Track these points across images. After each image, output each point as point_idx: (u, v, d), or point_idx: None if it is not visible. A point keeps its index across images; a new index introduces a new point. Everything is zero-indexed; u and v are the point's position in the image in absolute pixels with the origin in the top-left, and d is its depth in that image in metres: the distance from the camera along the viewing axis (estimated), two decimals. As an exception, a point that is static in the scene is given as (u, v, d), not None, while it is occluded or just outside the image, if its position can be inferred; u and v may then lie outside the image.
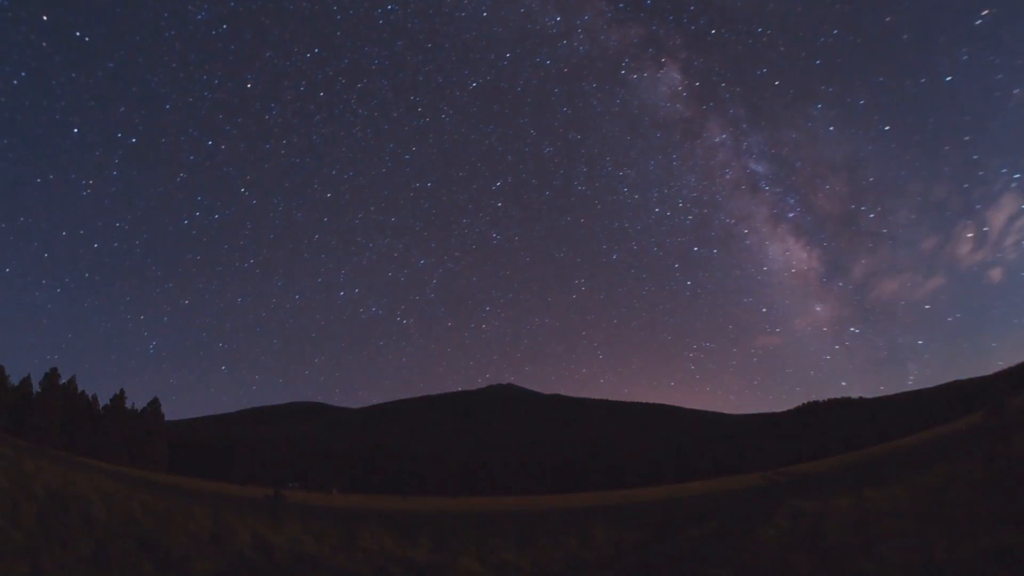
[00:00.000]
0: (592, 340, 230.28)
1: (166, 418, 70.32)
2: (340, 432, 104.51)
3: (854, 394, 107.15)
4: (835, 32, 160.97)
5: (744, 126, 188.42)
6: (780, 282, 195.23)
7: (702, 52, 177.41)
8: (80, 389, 63.94)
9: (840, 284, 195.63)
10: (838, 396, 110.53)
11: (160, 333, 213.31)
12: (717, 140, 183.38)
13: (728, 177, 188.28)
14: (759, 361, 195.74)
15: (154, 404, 70.32)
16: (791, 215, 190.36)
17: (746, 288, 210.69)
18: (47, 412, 55.78)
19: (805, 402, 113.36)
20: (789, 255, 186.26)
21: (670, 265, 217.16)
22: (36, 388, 60.07)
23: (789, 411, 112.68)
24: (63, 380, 62.21)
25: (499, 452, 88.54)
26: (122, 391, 67.43)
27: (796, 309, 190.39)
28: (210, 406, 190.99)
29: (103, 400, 65.76)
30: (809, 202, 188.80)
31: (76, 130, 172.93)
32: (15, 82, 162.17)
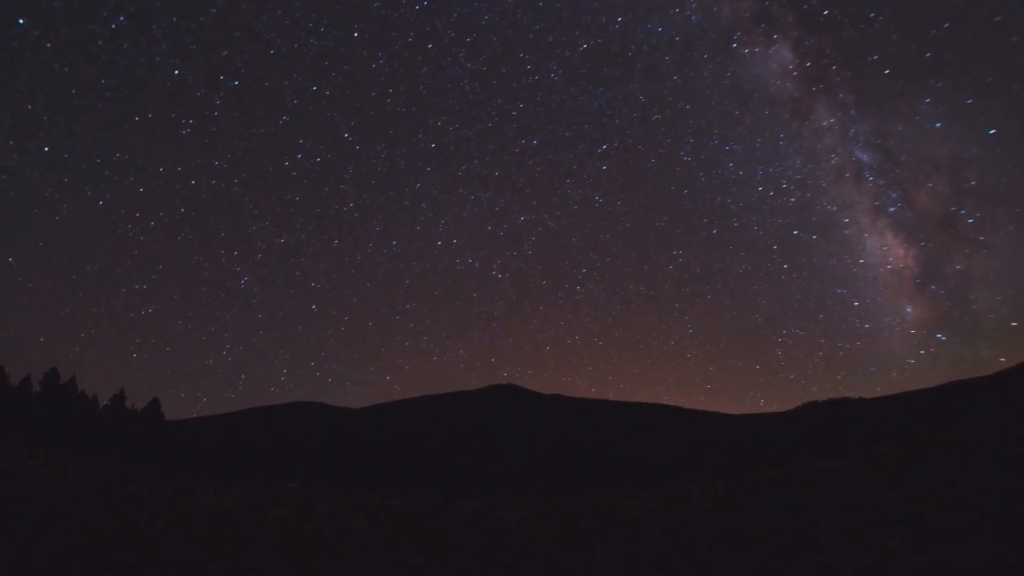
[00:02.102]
0: (683, 313, 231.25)
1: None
2: (340, 431, 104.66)
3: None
4: (946, 26, 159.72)
5: (852, 112, 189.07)
6: (875, 277, 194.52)
7: (814, 32, 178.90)
8: (80, 389, 64.10)
9: (933, 287, 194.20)
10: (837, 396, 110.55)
11: (252, 270, 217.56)
12: (825, 124, 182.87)
13: (833, 163, 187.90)
14: (845, 355, 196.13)
15: (154, 404, 70.41)
16: (892, 209, 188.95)
17: (841, 279, 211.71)
18: (47, 412, 55.84)
19: (806, 401, 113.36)
20: (886, 250, 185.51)
21: (769, 246, 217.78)
22: (36, 388, 60.19)
23: (788, 411, 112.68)
24: (63, 380, 62.33)
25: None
26: (122, 390, 67.59)
27: (887, 307, 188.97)
28: (292, 344, 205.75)
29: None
30: (911, 198, 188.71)
31: (177, 72, 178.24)
32: (113, 26, 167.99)
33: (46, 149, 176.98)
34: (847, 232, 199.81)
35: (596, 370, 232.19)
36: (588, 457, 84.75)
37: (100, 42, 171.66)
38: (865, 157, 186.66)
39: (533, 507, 26.04)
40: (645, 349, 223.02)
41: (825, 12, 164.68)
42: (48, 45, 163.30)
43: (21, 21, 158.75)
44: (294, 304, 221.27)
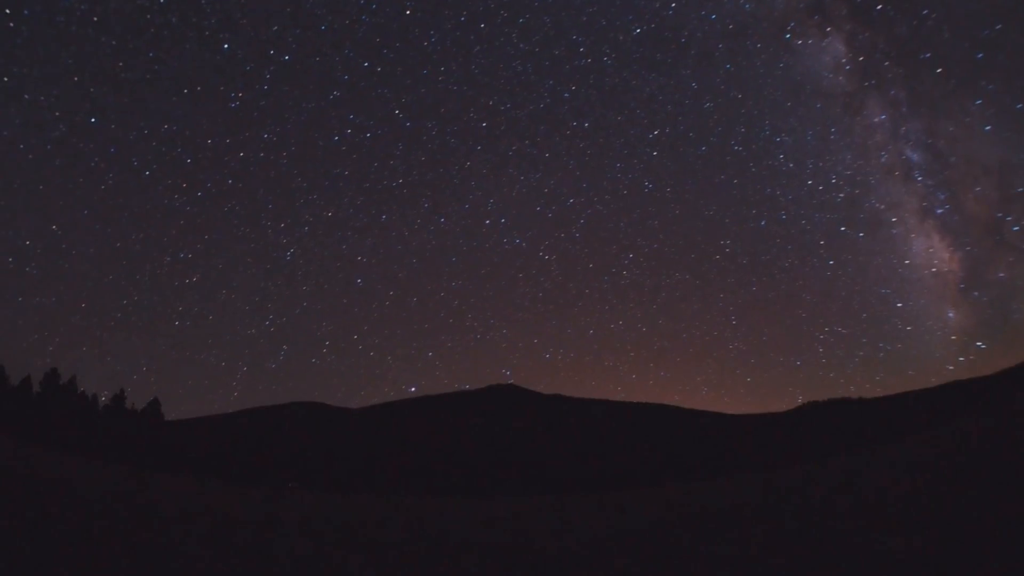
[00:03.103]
0: (728, 304, 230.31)
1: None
2: (340, 431, 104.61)
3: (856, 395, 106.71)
4: (998, 27, 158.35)
5: (904, 110, 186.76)
6: (919, 279, 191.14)
7: (867, 26, 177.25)
8: (80, 389, 64.12)
9: (976, 294, 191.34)
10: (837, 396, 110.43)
11: (299, 242, 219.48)
12: (876, 120, 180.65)
13: (883, 160, 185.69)
14: (885, 357, 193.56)
15: (154, 404, 70.43)
16: (939, 211, 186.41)
17: (886, 279, 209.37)
18: (47, 412, 55.85)
19: (804, 401, 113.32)
20: (932, 253, 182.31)
21: (816, 241, 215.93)
22: (36, 388, 60.20)
23: (787, 411, 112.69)
24: (63, 380, 62.34)
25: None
26: (122, 390, 67.61)
27: (930, 311, 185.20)
28: (335, 316, 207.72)
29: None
30: (958, 201, 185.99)
31: (227, 46, 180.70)
32: (162, 0, 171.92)
33: (92, 120, 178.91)
34: (894, 232, 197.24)
35: (638, 356, 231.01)
36: (588, 457, 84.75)
37: (148, 16, 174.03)
38: (915, 156, 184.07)
39: (534, 508, 26.04)
40: (688, 338, 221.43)
41: (878, 7, 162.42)
42: (95, 19, 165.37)
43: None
44: (339, 277, 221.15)
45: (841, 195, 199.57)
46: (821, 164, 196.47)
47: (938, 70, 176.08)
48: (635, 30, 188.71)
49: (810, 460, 39.58)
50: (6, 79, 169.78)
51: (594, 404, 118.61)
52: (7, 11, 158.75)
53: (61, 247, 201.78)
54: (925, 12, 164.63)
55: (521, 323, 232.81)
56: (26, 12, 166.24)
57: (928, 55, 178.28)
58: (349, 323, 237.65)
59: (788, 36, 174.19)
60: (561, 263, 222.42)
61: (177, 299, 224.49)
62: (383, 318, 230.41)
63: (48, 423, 54.88)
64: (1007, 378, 69.54)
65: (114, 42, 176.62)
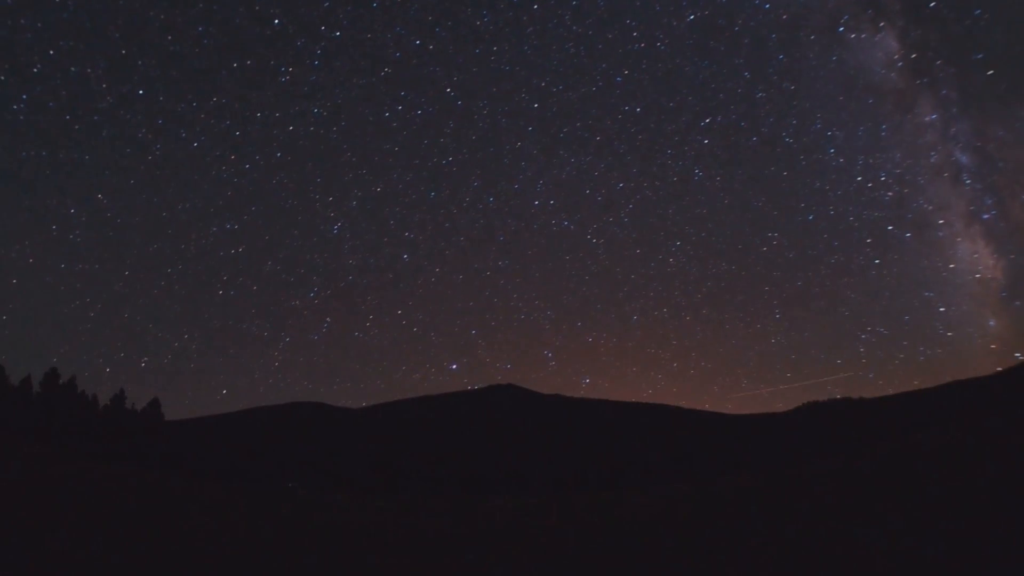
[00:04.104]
0: (772, 297, 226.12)
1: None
2: (340, 431, 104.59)
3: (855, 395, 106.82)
4: None
5: (954, 110, 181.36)
6: (963, 284, 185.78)
7: (920, 23, 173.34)
8: (80, 389, 64.09)
9: (1017, 303, 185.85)
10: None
11: (346, 215, 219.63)
12: (927, 119, 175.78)
13: (932, 160, 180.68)
14: (924, 361, 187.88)
15: (154, 404, 70.41)
16: (986, 216, 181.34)
17: (930, 282, 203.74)
18: (47, 412, 55.83)
19: (805, 402, 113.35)
20: (976, 259, 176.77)
21: (862, 239, 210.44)
22: (36, 388, 60.17)
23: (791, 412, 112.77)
24: (63, 380, 62.32)
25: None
26: (122, 390, 67.60)
27: (971, 317, 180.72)
28: (381, 291, 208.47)
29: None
30: (1006, 207, 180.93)
31: (277, 21, 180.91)
32: None
33: (140, 92, 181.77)
34: (940, 234, 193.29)
35: (680, 345, 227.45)
36: (588, 457, 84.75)
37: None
38: (964, 159, 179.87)
39: (534, 507, 26.05)
40: (731, 329, 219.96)
41: (931, 4, 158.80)
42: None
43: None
44: (386, 252, 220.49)
45: (890, 193, 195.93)
46: (871, 161, 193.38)
47: (990, 72, 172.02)
48: (689, 16, 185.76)
49: (810, 460, 39.56)
50: (52, 52, 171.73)
51: (594, 404, 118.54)
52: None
53: (106, 215, 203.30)
54: (978, 12, 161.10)
55: (566, 306, 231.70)
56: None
57: (980, 56, 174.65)
58: (394, 298, 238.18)
59: (841, 29, 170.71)
60: (608, 247, 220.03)
61: (222, 269, 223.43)
62: (428, 295, 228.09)
63: (48, 423, 54.87)
64: (1007, 378, 69.58)
65: (163, 16, 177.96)
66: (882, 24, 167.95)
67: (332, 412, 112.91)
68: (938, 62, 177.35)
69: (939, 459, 17.50)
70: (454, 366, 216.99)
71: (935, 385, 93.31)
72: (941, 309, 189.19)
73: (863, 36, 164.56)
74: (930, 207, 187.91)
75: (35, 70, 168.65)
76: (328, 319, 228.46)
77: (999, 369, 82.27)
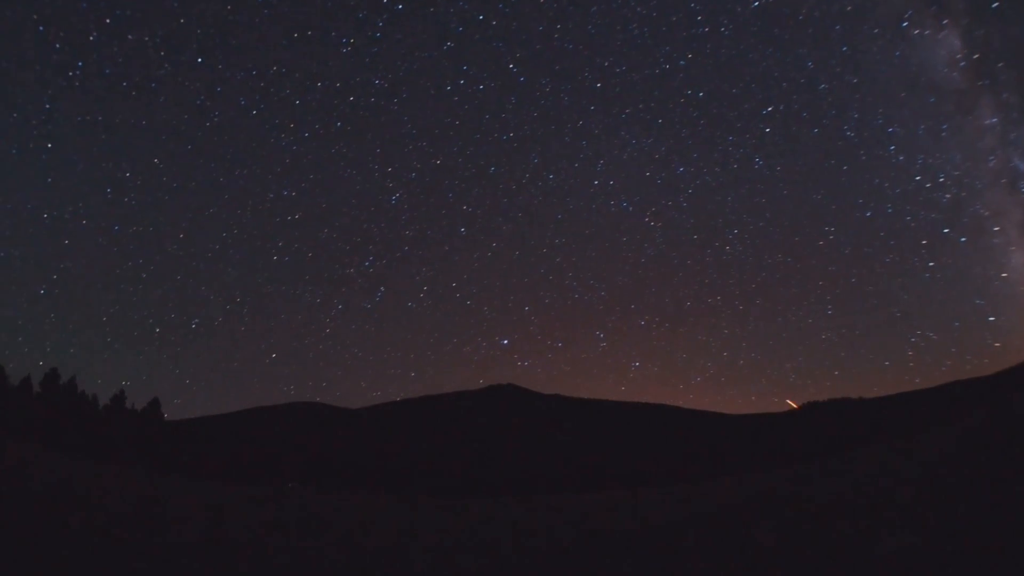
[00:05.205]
0: (825, 292, 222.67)
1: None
2: (340, 431, 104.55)
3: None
4: None
5: (1015, 115, 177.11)
6: (1014, 295, 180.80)
7: (983, 23, 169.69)
8: (80, 389, 64.10)
9: None
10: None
11: (406, 186, 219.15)
12: (987, 122, 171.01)
13: (991, 165, 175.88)
14: (971, 370, 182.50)
15: (154, 404, 70.39)
16: None
17: (981, 289, 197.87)
18: (47, 412, 55.83)
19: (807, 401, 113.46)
20: None
21: (918, 240, 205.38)
22: (36, 388, 60.18)
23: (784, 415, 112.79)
24: (63, 380, 62.33)
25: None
26: (122, 391, 67.60)
27: (1021, 330, 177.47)
28: (436, 263, 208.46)
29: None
30: None
31: None
32: None
33: (199, 60, 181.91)
34: (995, 241, 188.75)
35: (732, 334, 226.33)
36: (588, 457, 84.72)
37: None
38: (1022, 166, 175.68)
39: (534, 507, 26.04)
40: (783, 322, 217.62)
41: (995, 4, 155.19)
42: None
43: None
44: (443, 225, 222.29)
45: (947, 196, 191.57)
46: (931, 161, 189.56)
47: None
48: (753, 2, 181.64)
49: (810, 460, 39.55)
50: (108, 20, 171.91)
51: (594, 404, 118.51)
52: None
53: (162, 180, 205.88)
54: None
55: (620, 288, 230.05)
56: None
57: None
58: (449, 270, 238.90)
59: (905, 24, 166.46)
60: (665, 231, 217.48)
61: (278, 235, 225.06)
62: (483, 269, 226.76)
63: (48, 423, 54.86)
64: (1007, 378, 69.56)
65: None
66: (945, 22, 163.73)
67: (332, 412, 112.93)
68: (1000, 64, 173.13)
69: (939, 459, 17.50)
70: (505, 341, 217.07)
71: (936, 385, 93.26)
72: (991, 319, 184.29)
73: (926, 32, 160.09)
74: (986, 213, 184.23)
75: (91, 38, 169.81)
76: (382, 288, 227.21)
77: (998, 369, 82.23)
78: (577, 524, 16.09)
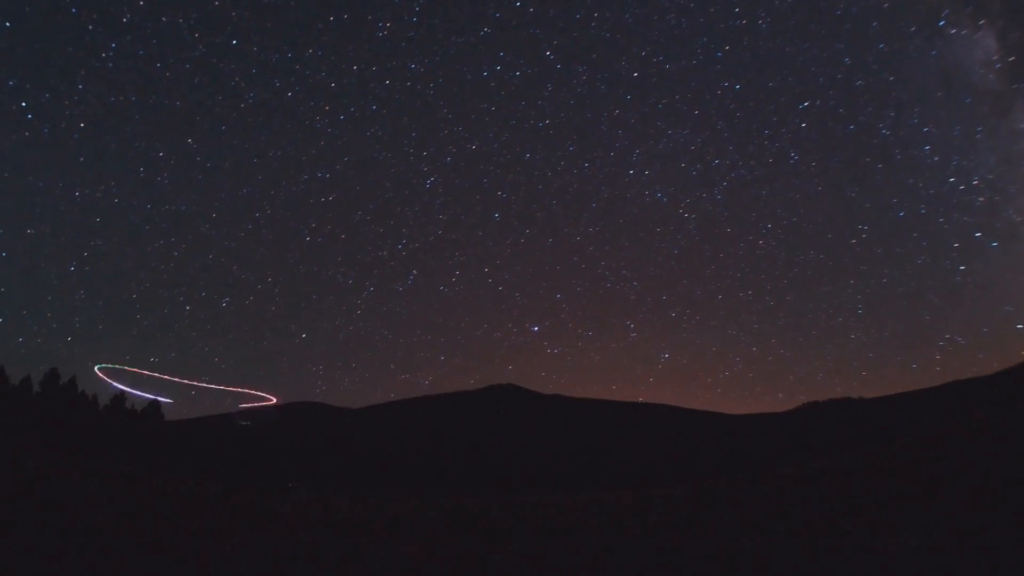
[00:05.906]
0: (856, 291, 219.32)
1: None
2: (340, 431, 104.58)
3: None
4: None
5: None
6: None
7: (1019, 26, 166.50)
8: (80, 389, 64.12)
9: None
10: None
11: (439, 171, 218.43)
12: (1022, 126, 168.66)
13: None
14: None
15: (154, 404, 70.45)
16: None
17: (1010, 296, 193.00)
18: (47, 412, 55.82)
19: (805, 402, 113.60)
20: None
21: (949, 243, 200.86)
22: (36, 388, 60.18)
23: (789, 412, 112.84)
24: (63, 380, 62.33)
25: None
26: (122, 391, 67.62)
27: None
28: (469, 249, 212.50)
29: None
30: None
31: None
32: None
33: (234, 42, 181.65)
34: None
35: (762, 329, 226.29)
36: (587, 457, 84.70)
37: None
38: None
39: (533, 506, 26.03)
40: (813, 319, 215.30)
41: None
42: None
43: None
44: (477, 210, 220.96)
45: (981, 199, 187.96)
46: (965, 163, 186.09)
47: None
48: None
49: (810, 460, 39.56)
50: (142, 2, 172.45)
51: (594, 404, 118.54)
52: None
53: (195, 159, 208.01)
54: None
55: (652, 278, 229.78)
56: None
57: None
58: (482, 256, 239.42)
59: (942, 23, 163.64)
60: (699, 223, 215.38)
61: (311, 216, 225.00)
62: (516, 255, 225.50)
63: (48, 423, 54.84)
64: (1007, 378, 69.54)
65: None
66: (982, 22, 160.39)
67: (332, 412, 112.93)
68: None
69: (938, 459, 17.49)
70: (535, 328, 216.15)
71: (935, 385, 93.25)
72: (1019, 326, 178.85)
73: (963, 32, 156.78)
74: (1019, 218, 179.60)
75: (124, 20, 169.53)
76: (414, 271, 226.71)
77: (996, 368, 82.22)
78: (577, 524, 16.08)
